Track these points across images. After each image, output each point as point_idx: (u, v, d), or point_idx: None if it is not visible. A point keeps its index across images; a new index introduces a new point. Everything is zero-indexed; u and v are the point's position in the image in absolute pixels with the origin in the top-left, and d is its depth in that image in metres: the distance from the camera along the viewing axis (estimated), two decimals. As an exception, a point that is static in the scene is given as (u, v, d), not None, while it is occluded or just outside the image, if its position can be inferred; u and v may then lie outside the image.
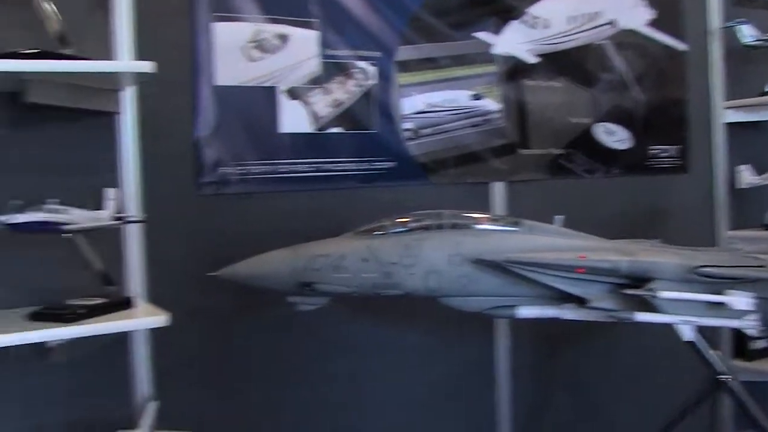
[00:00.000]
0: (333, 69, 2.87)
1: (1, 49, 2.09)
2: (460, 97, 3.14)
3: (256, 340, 2.77)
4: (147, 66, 2.13)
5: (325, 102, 2.85)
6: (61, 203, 2.15)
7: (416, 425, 3.14)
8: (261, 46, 2.72)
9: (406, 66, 3.02)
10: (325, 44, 2.85)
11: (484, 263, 2.40)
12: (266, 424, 2.84)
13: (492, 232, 2.49)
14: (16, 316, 2.20)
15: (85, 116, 2.40)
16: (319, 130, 2.85)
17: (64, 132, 2.42)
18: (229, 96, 2.68)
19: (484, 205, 3.19)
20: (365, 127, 2.94)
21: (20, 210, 2.05)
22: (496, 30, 3.18)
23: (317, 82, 2.84)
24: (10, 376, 2.39)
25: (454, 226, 2.47)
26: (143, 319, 2.24)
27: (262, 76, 2.74)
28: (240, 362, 2.77)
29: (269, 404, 2.83)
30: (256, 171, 2.73)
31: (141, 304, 2.38)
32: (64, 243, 2.19)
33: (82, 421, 2.49)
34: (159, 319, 2.18)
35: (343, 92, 2.89)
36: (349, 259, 2.38)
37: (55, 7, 2.20)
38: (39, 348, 2.24)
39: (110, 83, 2.36)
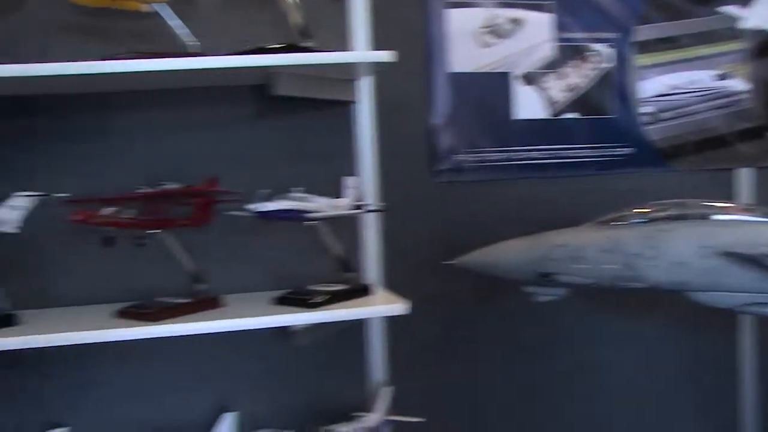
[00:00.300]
0: (568, 52, 2.76)
1: (247, 44, 2.20)
2: (703, 78, 2.92)
3: (489, 328, 2.74)
4: (387, 56, 2.14)
5: (559, 87, 2.75)
6: (306, 192, 2.21)
7: (650, 420, 2.98)
8: (494, 31, 2.67)
9: (644, 46, 2.85)
10: (559, 27, 2.74)
11: (738, 256, 2.21)
12: (497, 411, 2.80)
13: (746, 223, 2.30)
14: (262, 299, 2.31)
15: (324, 106, 2.47)
16: (554, 115, 2.76)
17: (306, 122, 2.50)
18: (463, 83, 2.66)
19: (727, 194, 2.95)
20: (602, 112, 2.81)
21: (268, 198, 2.13)
22: (745, 2, 2.92)
23: (552, 66, 2.75)
24: (252, 357, 2.53)
25: (702, 217, 2.30)
26: (383, 306, 2.26)
27: (496, 62, 2.69)
28: (473, 350, 2.74)
29: (501, 392, 2.79)
30: (490, 158, 2.69)
31: (379, 291, 2.41)
32: (306, 230, 2.27)
33: (319, 403, 2.58)
34: (398, 306, 2.20)
35: (578, 76, 2.77)
36: (589, 249, 2.28)
37: (297, 1, 2.27)
38: (282, 331, 2.33)
39: (348, 73, 2.41)
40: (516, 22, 2.68)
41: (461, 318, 2.70)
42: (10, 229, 2.12)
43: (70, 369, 2.43)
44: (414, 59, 2.59)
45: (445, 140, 2.65)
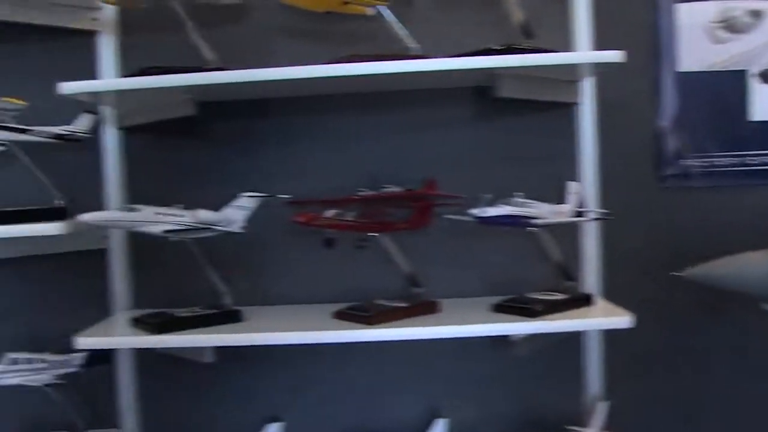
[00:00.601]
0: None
1: (465, 46, 2.16)
2: None
3: (716, 343, 2.53)
4: (615, 56, 2.04)
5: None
6: (525, 196, 2.14)
7: None
8: (730, 25, 2.47)
9: None
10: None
11: None
12: (721, 430, 2.60)
13: None
14: (479, 305, 2.26)
15: (545, 108, 2.39)
16: (796, 117, 2.52)
17: (526, 124, 2.44)
18: (693, 82, 2.48)
19: None
20: None
21: (490, 203, 2.08)
22: None
23: (794, 63, 2.51)
24: (466, 364, 2.49)
25: None
26: (606, 318, 2.16)
27: (730, 59, 2.48)
28: (696, 364, 2.55)
29: (725, 410, 2.57)
30: (722, 163, 2.49)
31: (600, 302, 2.30)
32: (524, 235, 2.19)
33: (531, 414, 2.52)
34: (622, 320, 2.09)
35: (824, 74, 2.53)
36: None
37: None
38: (499, 339, 2.28)
39: (572, 74, 2.31)
40: (756, 14, 2.47)
41: (685, 330, 2.53)
42: (236, 228, 2.19)
43: (287, 366, 2.50)
44: (640, 57, 2.43)
45: (672, 143, 2.48)
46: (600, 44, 2.34)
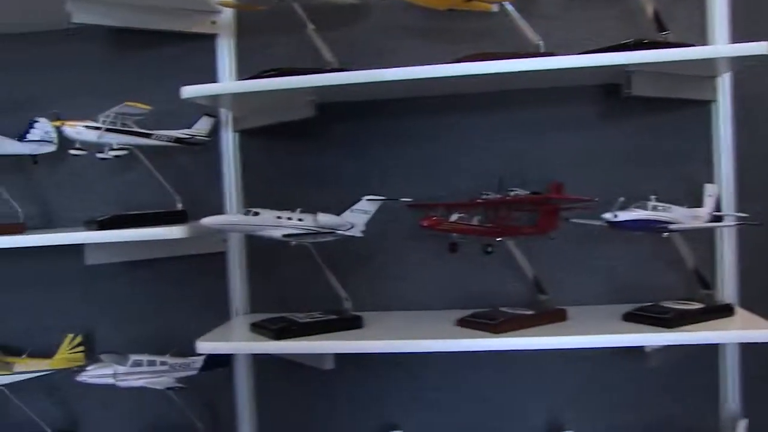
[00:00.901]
0: None
1: (592, 42, 2.05)
2: None
3: None
4: (759, 47, 1.89)
5: None
6: (658, 199, 2.02)
7: None
8: None
9: None
10: None
11: None
12: None
13: None
14: (608, 313, 2.15)
15: (679, 106, 2.26)
16: None
17: (658, 123, 2.31)
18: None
19: None
20: None
21: (624, 207, 1.96)
22: None
23: None
24: (593, 374, 2.38)
25: None
26: (747, 331, 2.02)
27: None
28: None
29: None
30: None
31: (742, 313, 2.15)
32: (656, 240, 2.07)
33: (663, 430, 2.38)
34: (765, 333, 1.94)
35: None
36: None
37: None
38: (630, 349, 2.15)
39: (708, 70, 2.17)
40: None
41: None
42: (356, 232, 2.15)
43: (407, 373, 2.44)
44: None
45: (819, 143, 2.31)
46: (737, 37, 2.20)
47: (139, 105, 2.11)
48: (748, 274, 2.29)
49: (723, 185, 2.25)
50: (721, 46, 2.19)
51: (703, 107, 2.28)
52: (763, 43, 1.89)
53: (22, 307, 2.56)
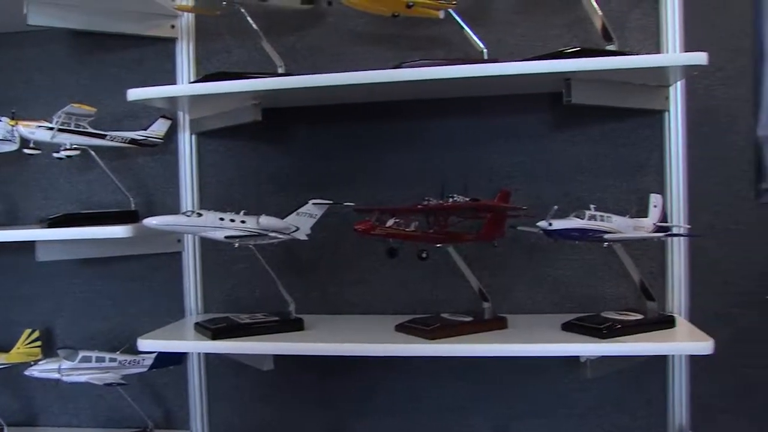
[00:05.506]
0: None
1: (540, 50, 2.06)
2: None
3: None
4: (697, 58, 1.87)
5: None
6: (599, 209, 1.99)
7: None
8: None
9: None
10: None
11: None
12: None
13: None
14: (549, 323, 2.13)
15: (628, 115, 2.25)
16: None
17: (605, 133, 2.29)
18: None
19: None
20: None
21: (561, 216, 1.94)
22: None
23: None
24: (534, 383, 2.37)
25: None
26: (684, 343, 1.99)
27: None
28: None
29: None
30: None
31: (683, 325, 2.12)
32: (601, 250, 2.04)
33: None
34: (702, 345, 1.90)
35: None
36: None
37: (596, 3, 2.08)
38: (571, 359, 2.14)
39: (656, 79, 2.15)
40: None
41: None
42: (301, 236, 2.16)
43: (352, 376, 2.45)
44: (737, 61, 2.25)
45: (773, 155, 2.27)
46: (692, 48, 2.14)
47: (84, 106, 2.15)
48: (697, 287, 2.26)
49: (674, 195, 2.22)
50: (658, 55, 2.16)
51: (656, 117, 2.25)
52: (701, 53, 1.87)
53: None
